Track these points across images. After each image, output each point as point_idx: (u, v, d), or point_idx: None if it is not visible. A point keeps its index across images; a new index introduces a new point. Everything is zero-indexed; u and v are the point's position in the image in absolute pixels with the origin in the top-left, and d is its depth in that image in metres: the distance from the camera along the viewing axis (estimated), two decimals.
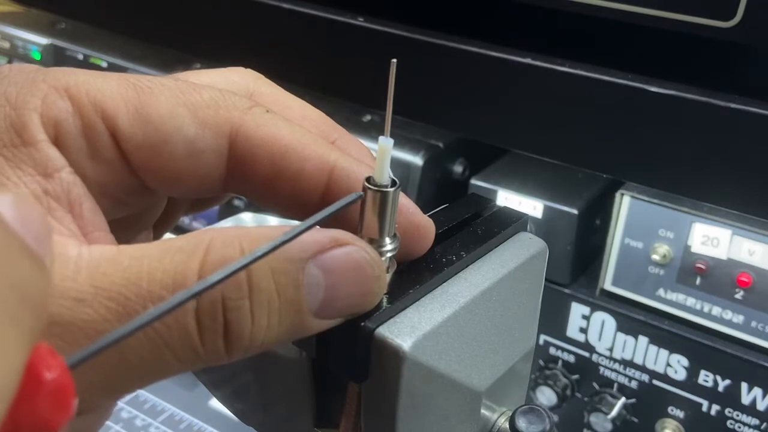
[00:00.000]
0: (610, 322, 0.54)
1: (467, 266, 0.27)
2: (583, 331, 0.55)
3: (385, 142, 0.22)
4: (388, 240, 0.24)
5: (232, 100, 0.24)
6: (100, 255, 0.20)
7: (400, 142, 0.60)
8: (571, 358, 0.57)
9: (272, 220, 0.34)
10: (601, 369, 0.56)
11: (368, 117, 0.65)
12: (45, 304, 0.16)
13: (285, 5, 0.57)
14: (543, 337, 0.57)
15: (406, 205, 0.25)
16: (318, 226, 0.21)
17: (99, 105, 0.23)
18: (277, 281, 0.20)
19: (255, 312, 0.20)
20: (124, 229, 0.27)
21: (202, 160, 0.24)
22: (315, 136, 0.25)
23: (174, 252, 0.20)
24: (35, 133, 0.22)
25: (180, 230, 0.55)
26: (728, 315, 0.51)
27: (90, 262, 0.20)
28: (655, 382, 0.54)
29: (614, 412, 0.55)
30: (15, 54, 0.83)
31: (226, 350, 0.20)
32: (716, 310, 0.51)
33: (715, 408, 0.52)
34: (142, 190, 0.25)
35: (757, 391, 0.50)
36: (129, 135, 0.23)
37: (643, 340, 0.53)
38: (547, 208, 0.55)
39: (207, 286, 0.19)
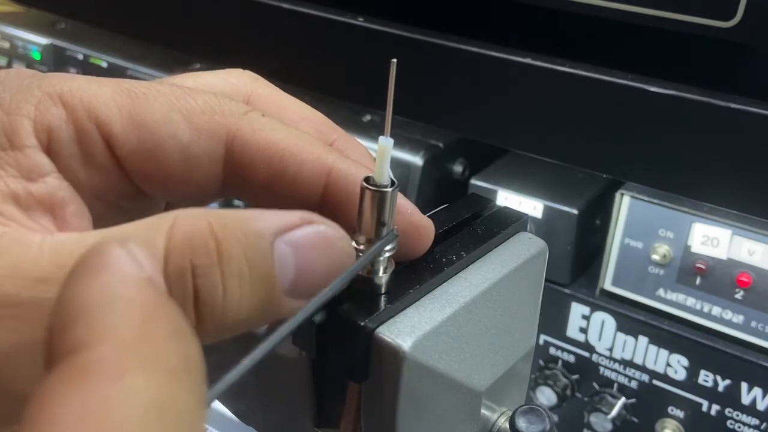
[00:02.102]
0: (610, 322, 0.54)
1: (467, 266, 0.27)
2: (583, 331, 0.55)
3: (385, 142, 0.22)
4: None
5: (227, 105, 0.24)
6: (66, 237, 0.20)
7: (400, 142, 0.60)
8: (571, 358, 0.57)
9: None
10: (601, 369, 0.56)
11: (368, 117, 0.65)
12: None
13: (285, 5, 0.57)
14: (543, 337, 0.57)
15: (404, 205, 0.25)
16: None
17: (93, 111, 0.23)
18: (247, 255, 0.20)
19: (226, 282, 0.20)
20: None
21: (197, 166, 0.24)
22: (312, 139, 0.25)
23: (139, 227, 0.20)
24: (24, 139, 0.22)
25: None
26: (728, 315, 0.51)
27: (54, 244, 0.20)
28: (655, 382, 0.54)
29: (614, 412, 0.55)
30: (15, 54, 0.83)
31: (197, 323, 0.20)
32: (716, 310, 0.51)
33: (715, 408, 0.52)
34: (137, 195, 0.25)
35: (757, 391, 0.50)
36: (123, 141, 0.23)
37: (643, 340, 0.53)
38: (547, 208, 0.55)
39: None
